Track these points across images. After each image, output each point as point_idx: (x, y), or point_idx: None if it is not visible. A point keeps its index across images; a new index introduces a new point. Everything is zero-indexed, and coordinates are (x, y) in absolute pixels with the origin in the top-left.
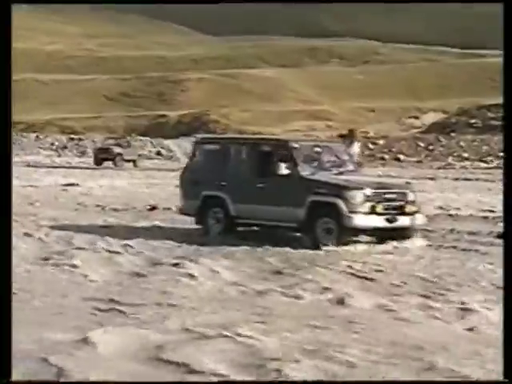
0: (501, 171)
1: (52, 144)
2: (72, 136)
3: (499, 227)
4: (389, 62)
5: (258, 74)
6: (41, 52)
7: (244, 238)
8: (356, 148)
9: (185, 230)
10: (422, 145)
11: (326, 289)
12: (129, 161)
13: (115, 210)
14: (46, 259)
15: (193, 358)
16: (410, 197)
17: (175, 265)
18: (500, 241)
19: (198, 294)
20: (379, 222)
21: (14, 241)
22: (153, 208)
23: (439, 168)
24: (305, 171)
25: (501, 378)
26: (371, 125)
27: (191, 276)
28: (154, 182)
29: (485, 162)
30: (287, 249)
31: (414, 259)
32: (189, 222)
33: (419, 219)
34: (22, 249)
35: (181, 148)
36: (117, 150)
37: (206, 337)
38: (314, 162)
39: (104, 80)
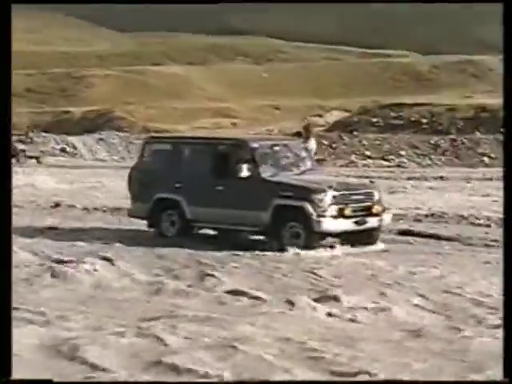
0: (401, 169)
1: None
2: None
3: (400, 224)
4: (293, 61)
5: (165, 71)
6: None
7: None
8: (313, 144)
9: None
10: (325, 143)
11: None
12: (32, 157)
13: (19, 207)
14: None
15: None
16: (376, 196)
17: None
18: (401, 237)
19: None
20: (348, 224)
21: None
22: (56, 205)
23: (342, 166)
24: (266, 172)
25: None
26: (276, 123)
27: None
28: (57, 179)
29: (386, 160)
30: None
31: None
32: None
33: (386, 219)
34: None
35: (86, 145)
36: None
37: None
38: (274, 162)
39: (21, 76)
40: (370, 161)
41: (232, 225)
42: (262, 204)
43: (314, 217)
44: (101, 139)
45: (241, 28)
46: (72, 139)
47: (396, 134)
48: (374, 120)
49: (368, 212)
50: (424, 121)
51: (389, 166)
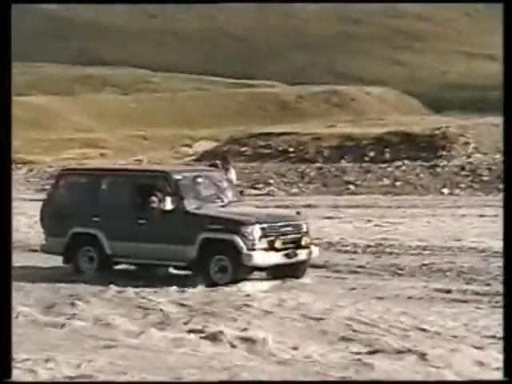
0: (270, 198)
1: None
2: None
3: None
4: (161, 91)
5: (30, 102)
6: None
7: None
8: (233, 175)
9: None
10: None
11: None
12: None
13: None
14: None
15: None
16: (304, 228)
17: None
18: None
19: None
20: (278, 258)
21: None
22: None
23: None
24: (191, 205)
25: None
26: (146, 153)
27: None
28: None
29: (256, 188)
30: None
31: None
32: None
33: (315, 252)
34: None
35: None
36: None
37: None
38: (197, 194)
39: None
40: (240, 189)
41: (156, 260)
42: (188, 237)
43: (245, 250)
44: None
45: (106, 58)
46: None
47: (264, 163)
48: (243, 149)
49: (297, 244)
50: (291, 149)
51: (258, 195)
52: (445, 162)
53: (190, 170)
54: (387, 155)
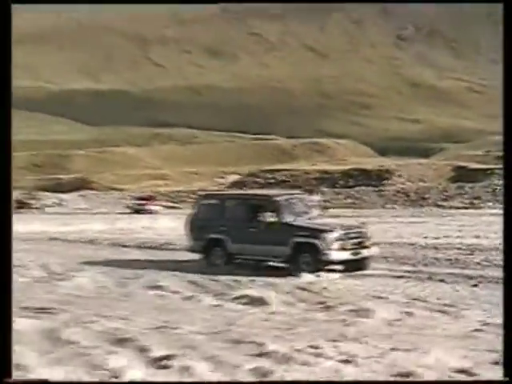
0: None
1: None
2: None
3: None
4: (204, 143)
5: (121, 151)
6: None
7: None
8: (317, 197)
9: None
10: None
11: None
12: (36, 208)
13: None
14: None
15: None
16: (367, 234)
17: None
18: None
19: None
20: (348, 255)
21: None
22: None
23: None
24: (286, 218)
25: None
26: (195, 183)
27: None
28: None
29: None
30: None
31: None
32: None
33: (375, 251)
34: None
35: (70, 200)
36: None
37: None
38: (291, 210)
39: (27, 155)
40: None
41: (263, 256)
42: (285, 241)
43: (324, 250)
44: (80, 195)
45: (169, 122)
46: (62, 196)
47: (271, 189)
48: (257, 180)
49: (361, 245)
50: (288, 180)
51: None
52: (387, 188)
53: (286, 194)
54: (350, 183)
